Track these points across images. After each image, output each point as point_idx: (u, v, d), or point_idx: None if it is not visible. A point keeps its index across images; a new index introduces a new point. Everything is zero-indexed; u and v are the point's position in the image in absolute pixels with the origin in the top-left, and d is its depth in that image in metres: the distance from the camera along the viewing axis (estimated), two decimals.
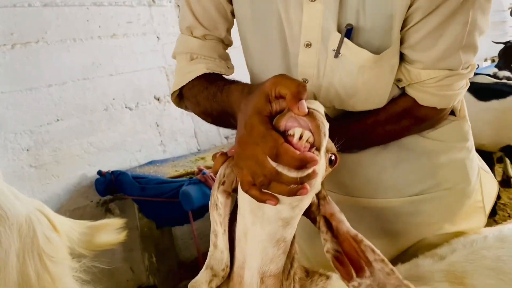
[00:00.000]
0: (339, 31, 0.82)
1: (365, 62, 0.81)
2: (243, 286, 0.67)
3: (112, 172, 2.47)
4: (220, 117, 0.90)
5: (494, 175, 3.65)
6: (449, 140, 0.98)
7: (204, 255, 2.55)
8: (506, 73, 4.01)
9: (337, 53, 0.82)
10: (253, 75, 1.04)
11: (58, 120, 2.43)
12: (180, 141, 3.01)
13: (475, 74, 3.80)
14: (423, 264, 0.84)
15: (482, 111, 2.83)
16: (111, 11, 2.65)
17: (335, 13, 0.81)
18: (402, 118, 0.91)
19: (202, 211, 2.21)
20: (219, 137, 3.20)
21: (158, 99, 2.89)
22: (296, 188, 0.55)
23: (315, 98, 0.90)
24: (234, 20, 1.03)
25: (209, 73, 0.97)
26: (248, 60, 1.04)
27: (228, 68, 1.03)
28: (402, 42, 0.84)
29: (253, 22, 0.95)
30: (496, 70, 4.23)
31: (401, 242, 1.00)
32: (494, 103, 2.80)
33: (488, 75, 3.88)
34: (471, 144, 1.03)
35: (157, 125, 2.90)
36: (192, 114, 3.06)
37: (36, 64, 2.35)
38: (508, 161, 3.72)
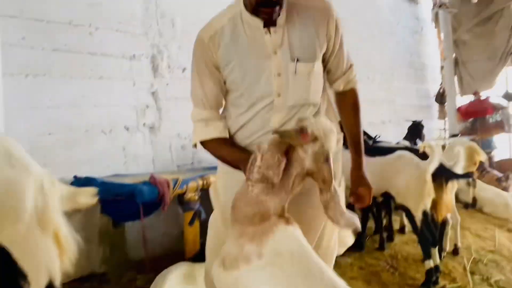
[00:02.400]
0: (292, 60, 1.62)
1: (310, 69, 1.64)
2: None
3: (85, 177, 3.24)
4: (229, 163, 1.69)
5: (392, 221, 4.50)
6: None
7: (148, 251, 3.32)
8: (406, 142, 5.09)
9: (295, 71, 1.62)
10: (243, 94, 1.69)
11: (50, 134, 3.21)
12: (140, 164, 3.77)
13: (381, 141, 4.84)
14: None
15: (370, 165, 3.77)
16: (101, 59, 3.54)
17: (289, 56, 1.61)
18: (356, 107, 1.82)
19: (150, 209, 2.99)
20: (172, 164, 3.98)
21: (128, 129, 3.73)
22: None
23: (285, 103, 1.64)
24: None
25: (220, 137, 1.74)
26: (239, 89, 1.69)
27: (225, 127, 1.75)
28: (329, 67, 1.76)
29: (243, 74, 1.63)
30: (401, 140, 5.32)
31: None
32: (377, 159, 3.76)
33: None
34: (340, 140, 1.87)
35: (124, 149, 3.69)
36: (153, 144, 4.02)
37: (41, 91, 3.18)
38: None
